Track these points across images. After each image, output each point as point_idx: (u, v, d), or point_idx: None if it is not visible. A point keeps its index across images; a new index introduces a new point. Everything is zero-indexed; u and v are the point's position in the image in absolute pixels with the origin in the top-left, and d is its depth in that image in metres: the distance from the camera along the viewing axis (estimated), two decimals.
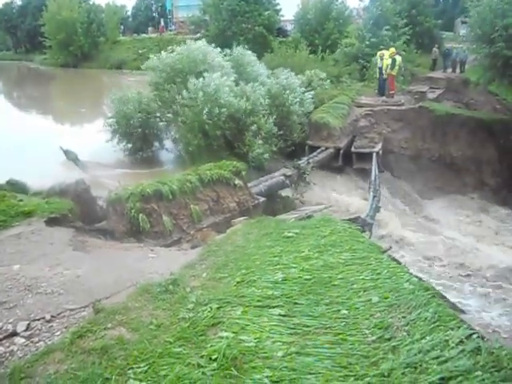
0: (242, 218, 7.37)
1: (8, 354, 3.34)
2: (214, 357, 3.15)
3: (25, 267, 4.83)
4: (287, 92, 14.26)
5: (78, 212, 7.62)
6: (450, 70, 24.96)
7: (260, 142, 12.72)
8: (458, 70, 24.70)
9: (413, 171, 16.93)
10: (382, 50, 18.94)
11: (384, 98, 18.22)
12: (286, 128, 14.30)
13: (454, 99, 22.40)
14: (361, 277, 4.42)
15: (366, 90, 19.65)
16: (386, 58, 17.73)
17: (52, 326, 3.70)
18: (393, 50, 17.92)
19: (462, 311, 6.21)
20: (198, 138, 12.13)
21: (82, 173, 12.72)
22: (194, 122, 12.14)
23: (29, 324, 3.69)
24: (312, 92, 15.86)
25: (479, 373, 3.00)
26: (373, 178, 13.78)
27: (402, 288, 4.25)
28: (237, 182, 9.81)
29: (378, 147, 15.82)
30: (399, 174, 16.74)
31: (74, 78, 38.82)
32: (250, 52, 16.28)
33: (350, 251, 5.02)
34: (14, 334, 3.59)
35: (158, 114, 14.60)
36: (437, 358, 3.20)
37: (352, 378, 3.00)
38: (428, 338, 3.45)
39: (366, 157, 15.41)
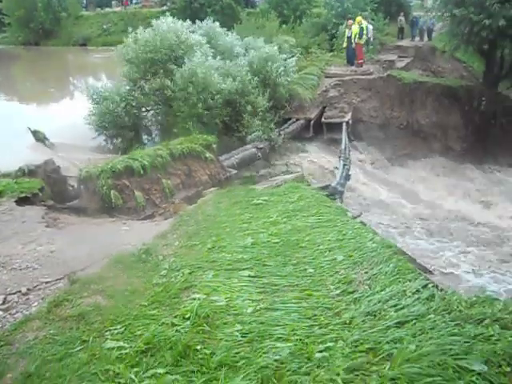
0: (212, 189, 7.50)
1: None
2: (187, 316, 3.33)
3: None
4: (269, 64, 13.94)
5: (48, 192, 7.60)
6: (417, 39, 25.09)
7: (258, 122, 12.63)
8: (425, 38, 24.86)
9: (382, 139, 17.23)
10: (349, 19, 18.93)
11: (353, 67, 18.32)
12: (275, 100, 14.18)
13: (423, 67, 22.60)
14: (327, 238, 4.66)
15: (335, 60, 19.69)
16: (354, 26, 17.75)
17: (28, 298, 3.81)
18: (359, 18, 17.94)
19: (429, 270, 6.54)
20: (195, 129, 11.89)
21: (53, 154, 12.51)
22: (191, 115, 11.90)
23: (5, 298, 3.78)
24: (294, 58, 15.65)
25: (432, 316, 3.28)
26: (343, 146, 14.03)
27: (366, 247, 4.51)
28: (208, 155, 9.87)
29: (348, 117, 15.99)
30: (369, 143, 17.03)
31: (38, 56, 37.39)
32: (217, 24, 15.90)
33: (317, 215, 5.24)
34: None
35: (143, 108, 13.69)
36: (394, 306, 3.47)
37: (316, 327, 3.24)
38: (387, 289, 3.72)
39: (336, 127, 15.59)
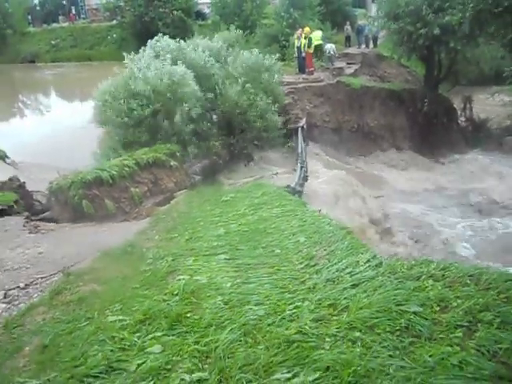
0: (183, 191, 8.01)
1: None
2: (175, 293, 3.87)
3: None
4: (265, 72, 13.86)
5: (22, 204, 7.87)
6: (364, 46, 26.37)
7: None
8: (371, 46, 26.19)
9: (336, 142, 18.20)
10: (298, 29, 19.90)
11: (304, 75, 19.21)
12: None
13: (370, 73, 23.82)
14: (290, 225, 5.31)
15: (287, 69, 20.52)
16: (303, 37, 18.68)
17: (28, 291, 4.22)
18: (307, 29, 18.90)
19: None
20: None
21: (16, 172, 12.58)
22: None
23: (5, 293, 4.18)
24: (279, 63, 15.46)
25: (380, 278, 3.98)
26: (299, 150, 14.83)
27: (323, 230, 5.20)
28: (172, 163, 10.35)
29: (303, 122, 16.79)
30: (324, 146, 17.93)
31: None
32: (183, 44, 14.89)
33: (279, 207, 5.90)
34: None
35: None
36: (350, 272, 4.15)
37: (286, 293, 3.85)
38: (343, 261, 4.40)
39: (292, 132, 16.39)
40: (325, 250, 4.68)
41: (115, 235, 5.67)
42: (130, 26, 38.04)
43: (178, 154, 10.69)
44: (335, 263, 4.35)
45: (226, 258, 4.55)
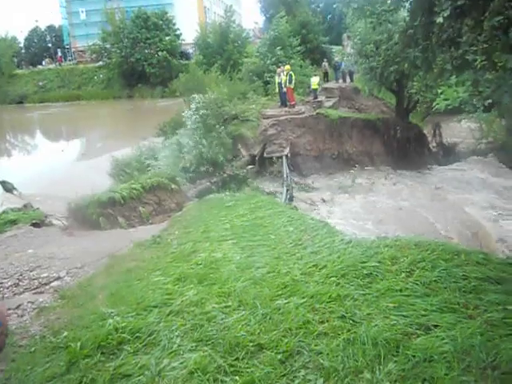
0: (191, 202, 9.40)
1: (63, 285, 5.10)
2: (199, 263, 5.22)
3: (37, 250, 6.46)
4: None
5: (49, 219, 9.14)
6: (341, 81, 28.50)
7: None
8: (348, 80, 28.32)
9: (318, 169, 19.79)
10: (279, 67, 21.86)
11: (286, 108, 20.97)
12: None
13: (348, 105, 25.81)
14: (281, 220, 6.75)
15: (270, 103, 22.36)
16: (284, 74, 20.56)
17: (84, 269, 5.49)
18: (288, 67, 20.81)
19: None
20: None
21: (24, 202, 13.80)
22: None
23: (67, 271, 5.45)
24: None
25: (349, 249, 5.38)
26: (285, 175, 16.42)
27: (307, 223, 6.64)
28: (173, 186, 11.81)
29: (287, 151, 18.44)
30: (307, 173, 19.48)
31: None
32: None
33: (272, 209, 7.35)
34: (59, 278, 5.33)
35: None
36: (328, 247, 5.56)
37: (281, 261, 5.23)
38: (323, 241, 5.81)
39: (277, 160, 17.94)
40: (309, 235, 6.08)
41: (142, 233, 7.01)
42: (116, 67, 39.92)
43: (177, 179, 12.17)
44: (316, 242, 5.76)
45: (233, 242, 5.92)
